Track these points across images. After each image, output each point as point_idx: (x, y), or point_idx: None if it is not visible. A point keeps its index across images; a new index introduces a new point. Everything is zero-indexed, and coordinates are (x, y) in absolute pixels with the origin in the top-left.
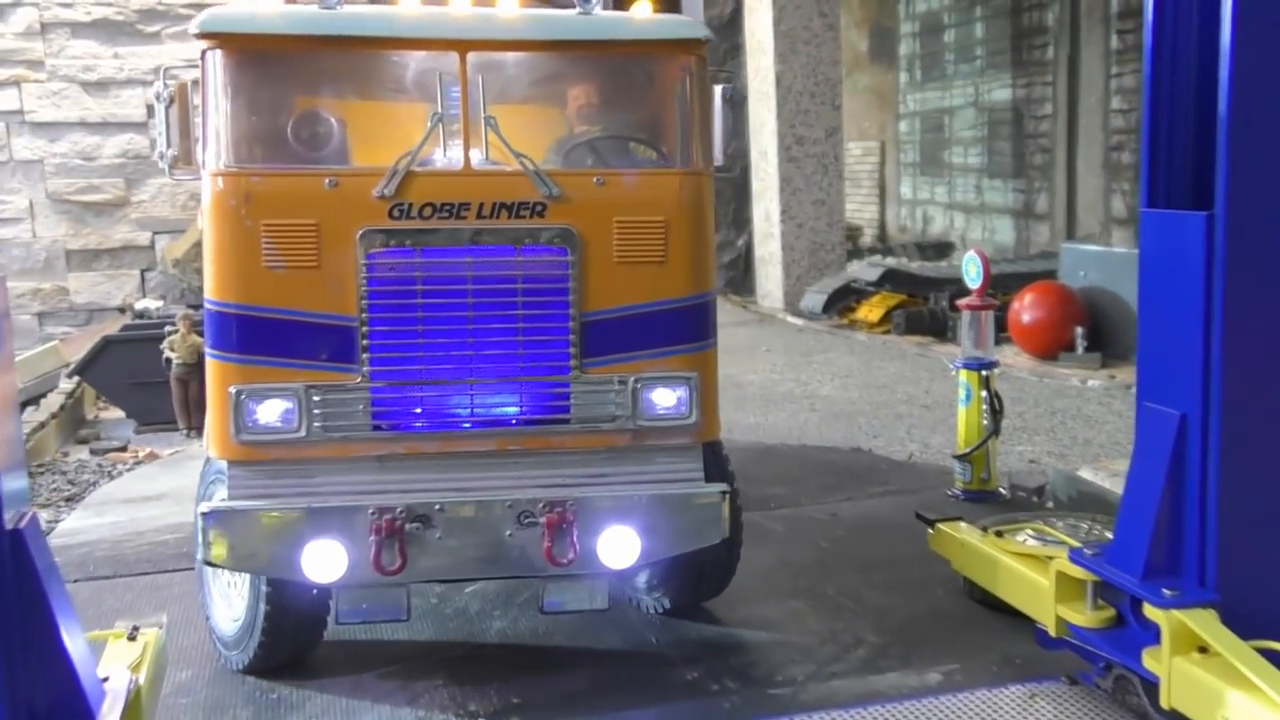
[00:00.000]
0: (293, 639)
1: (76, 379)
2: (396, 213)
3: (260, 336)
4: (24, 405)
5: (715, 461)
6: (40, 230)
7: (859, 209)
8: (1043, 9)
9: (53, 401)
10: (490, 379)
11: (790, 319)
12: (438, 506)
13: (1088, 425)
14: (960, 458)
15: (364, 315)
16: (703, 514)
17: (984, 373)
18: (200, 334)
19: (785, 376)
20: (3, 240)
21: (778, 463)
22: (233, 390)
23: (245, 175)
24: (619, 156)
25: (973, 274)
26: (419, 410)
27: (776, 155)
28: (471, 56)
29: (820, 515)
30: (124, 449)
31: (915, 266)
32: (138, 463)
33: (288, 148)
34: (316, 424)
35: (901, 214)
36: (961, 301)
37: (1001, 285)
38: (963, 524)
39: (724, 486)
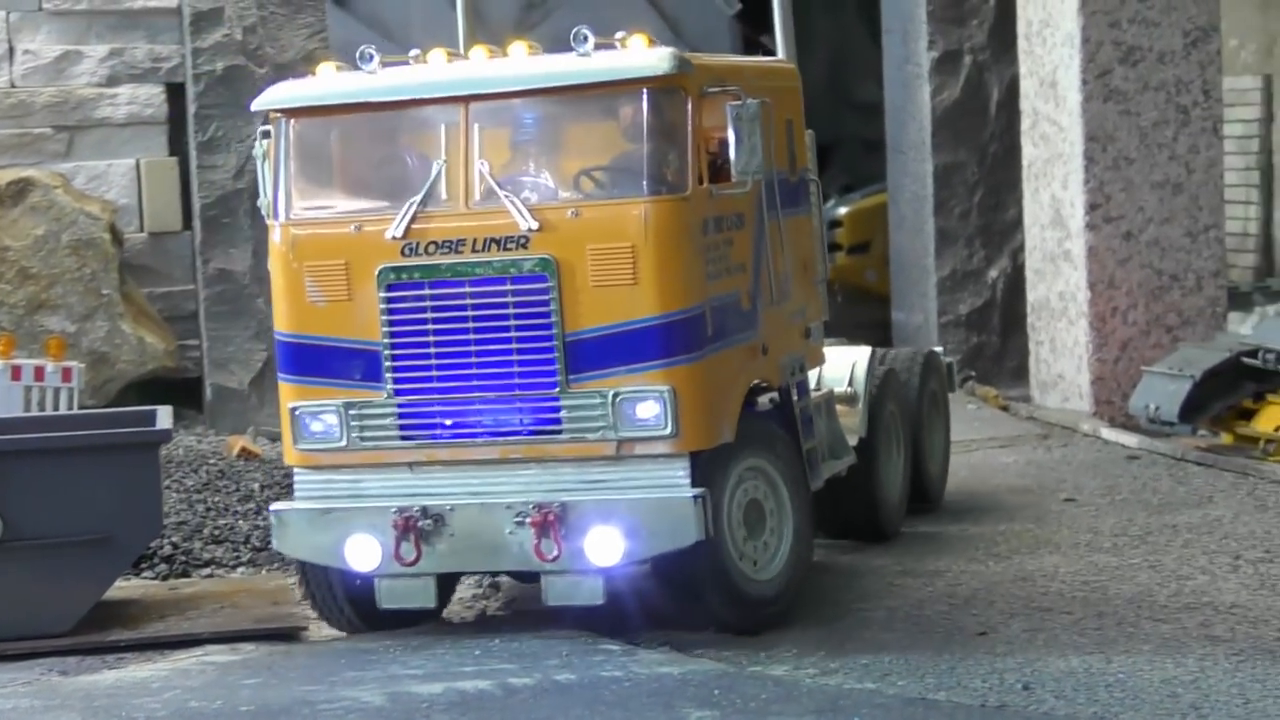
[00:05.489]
0: (338, 612)
1: None
2: (407, 250)
3: (308, 360)
4: None
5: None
6: None
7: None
8: None
9: None
10: (490, 393)
11: (1108, 433)
12: (449, 507)
13: None
14: None
15: (386, 340)
16: (677, 518)
17: None
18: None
19: (1126, 560)
20: None
21: None
22: (290, 406)
23: (290, 225)
24: (606, 186)
25: None
26: (435, 422)
27: (1079, 87)
28: (473, 107)
29: None
30: None
31: None
32: None
33: (334, 197)
34: (355, 434)
35: None
36: None
37: None
38: None
39: (700, 491)
